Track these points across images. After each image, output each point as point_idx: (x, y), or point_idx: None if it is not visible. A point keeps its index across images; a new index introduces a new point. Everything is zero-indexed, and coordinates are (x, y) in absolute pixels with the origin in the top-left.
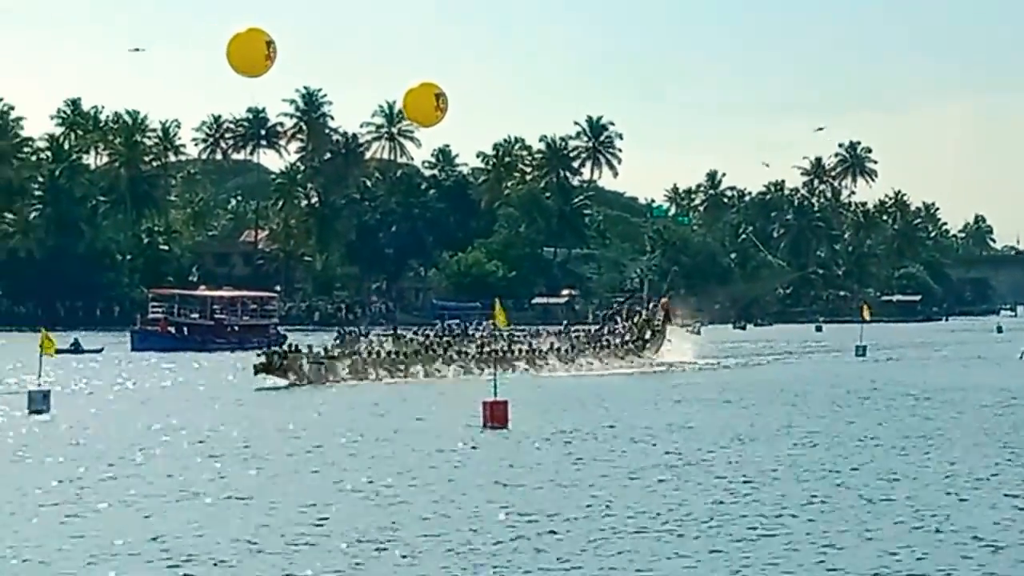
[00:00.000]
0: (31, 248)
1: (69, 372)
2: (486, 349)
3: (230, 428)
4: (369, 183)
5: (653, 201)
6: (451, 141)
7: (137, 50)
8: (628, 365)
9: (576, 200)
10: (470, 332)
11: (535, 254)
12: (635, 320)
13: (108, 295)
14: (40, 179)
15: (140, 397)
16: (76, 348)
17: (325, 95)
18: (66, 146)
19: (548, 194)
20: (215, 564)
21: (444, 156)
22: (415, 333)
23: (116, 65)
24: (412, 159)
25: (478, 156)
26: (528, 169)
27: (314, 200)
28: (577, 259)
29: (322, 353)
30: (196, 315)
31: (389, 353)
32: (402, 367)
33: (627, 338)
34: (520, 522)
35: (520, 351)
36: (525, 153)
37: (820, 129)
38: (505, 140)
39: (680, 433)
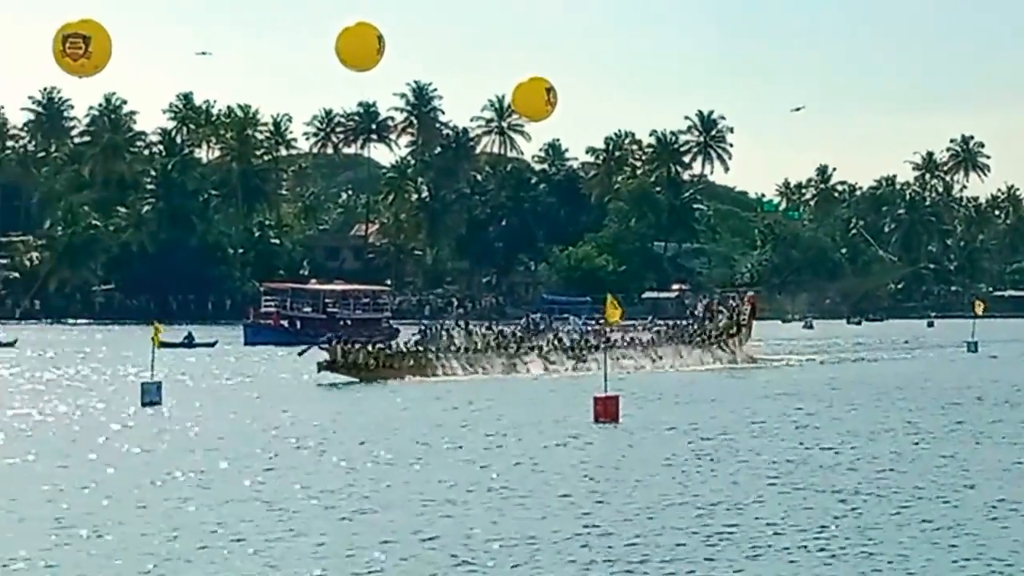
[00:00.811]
0: (143, 242)
1: (182, 365)
2: (561, 344)
3: (330, 422)
4: (479, 177)
5: (763, 196)
6: (561, 135)
7: (204, 54)
8: (710, 361)
9: (686, 194)
10: (555, 327)
11: (645, 248)
12: (721, 315)
13: (220, 289)
14: (152, 173)
15: (253, 390)
16: (189, 342)
17: (435, 89)
18: (178, 140)
19: (658, 188)
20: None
21: (554, 150)
22: (487, 328)
23: (228, 60)
24: (522, 153)
25: (588, 151)
26: (639, 163)
27: (424, 194)
28: (687, 254)
29: (387, 350)
30: (308, 309)
31: (459, 348)
32: (473, 362)
33: (711, 333)
34: (663, 517)
35: (598, 345)
36: (636, 147)
37: (798, 109)
38: (616, 134)
39: (793, 428)
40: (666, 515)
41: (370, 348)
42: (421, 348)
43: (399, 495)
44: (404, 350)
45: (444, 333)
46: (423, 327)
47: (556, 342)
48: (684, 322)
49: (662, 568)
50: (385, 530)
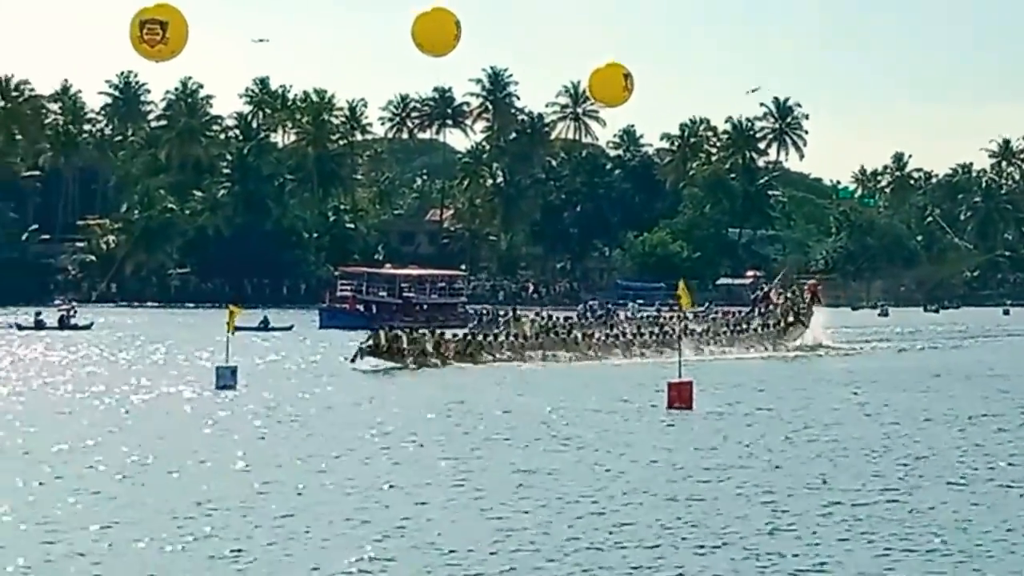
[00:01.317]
0: (219, 225)
1: (258, 349)
2: (612, 333)
3: (404, 406)
4: (554, 163)
5: (839, 183)
6: (636, 121)
7: (261, 40)
8: (766, 350)
9: (762, 181)
10: (615, 314)
11: (720, 235)
12: (779, 303)
13: (294, 273)
14: (229, 157)
15: (327, 373)
16: (265, 326)
17: (511, 75)
18: (254, 124)
19: (734, 175)
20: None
21: (629, 136)
22: (536, 315)
23: (304, 44)
24: (597, 139)
25: (662, 137)
26: (714, 150)
27: (499, 180)
28: (762, 240)
29: (429, 336)
30: (384, 293)
31: (507, 336)
32: (520, 350)
33: (768, 322)
34: (754, 502)
35: (651, 335)
36: (711, 134)
37: (754, 90)
38: (691, 120)
39: (868, 415)
40: (750, 498)
41: (415, 334)
42: (469, 335)
43: (488, 476)
44: (450, 337)
45: (503, 321)
46: (475, 313)
47: (610, 330)
48: (742, 310)
49: (746, 551)
50: (478, 508)
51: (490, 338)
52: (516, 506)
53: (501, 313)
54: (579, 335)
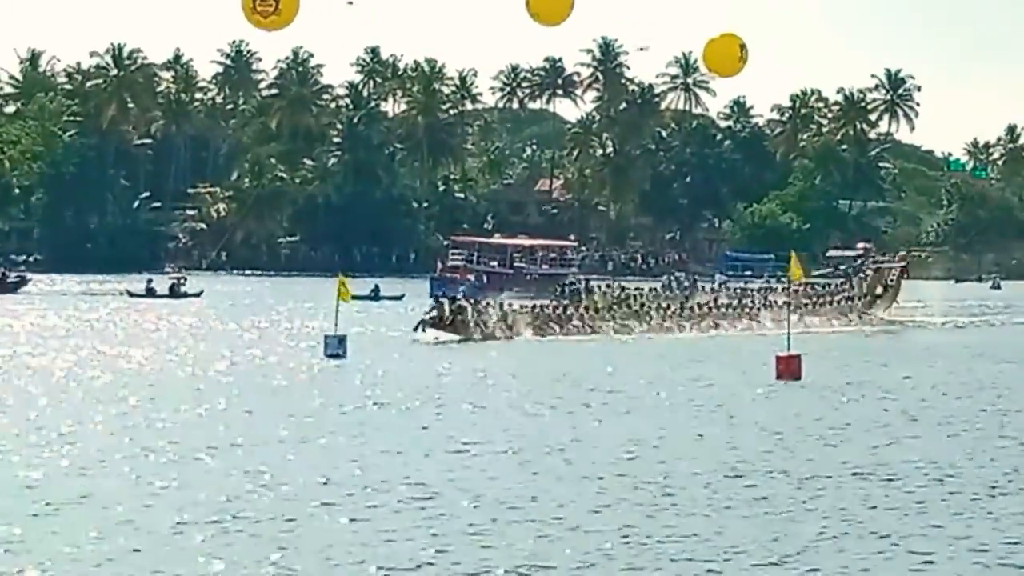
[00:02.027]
0: (329, 194)
1: (369, 318)
2: (688, 305)
3: (506, 374)
4: (664, 133)
5: (950, 155)
6: (746, 92)
7: (350, 3)
8: (850, 323)
9: (872, 153)
10: (700, 286)
11: (830, 207)
12: (869, 276)
13: (404, 242)
14: (339, 126)
15: (435, 343)
16: (376, 295)
17: (621, 45)
18: (365, 94)
19: (844, 146)
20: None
21: (739, 107)
22: (607, 286)
23: (414, 14)
24: (707, 110)
25: (773, 108)
26: (824, 121)
27: (609, 150)
28: (872, 212)
29: (496, 308)
30: (495, 263)
31: (579, 308)
32: (591, 323)
33: (853, 295)
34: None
35: (730, 308)
36: (822, 105)
37: (642, 49)
38: (801, 92)
39: (980, 388)
40: (864, 475)
41: (480, 306)
42: (539, 307)
43: (602, 445)
44: (518, 308)
45: (587, 293)
46: (557, 287)
47: (680, 308)
48: (830, 283)
49: (863, 527)
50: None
51: (559, 311)
52: (641, 479)
53: (587, 285)
54: (653, 307)
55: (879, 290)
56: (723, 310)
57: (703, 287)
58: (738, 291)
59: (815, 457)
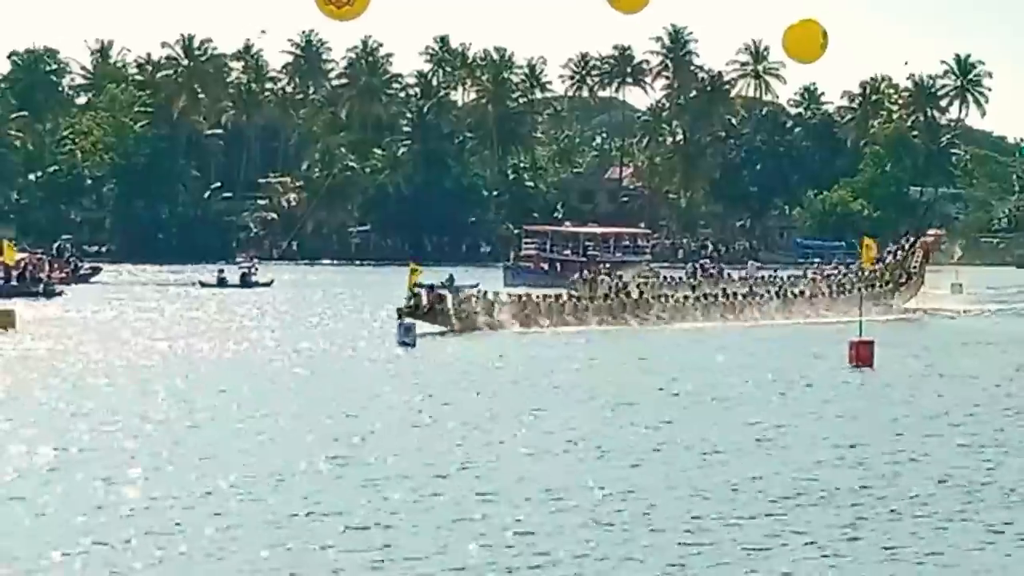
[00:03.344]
0: (399, 183)
1: None
2: (698, 293)
3: (576, 365)
4: (734, 121)
5: (1022, 140)
6: (817, 79)
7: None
8: (867, 312)
9: (943, 139)
10: (727, 275)
11: (901, 193)
12: (889, 262)
13: (474, 231)
14: (409, 115)
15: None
16: (450, 283)
17: (691, 33)
18: (434, 83)
19: (915, 133)
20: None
21: (810, 94)
22: (638, 275)
23: (483, 2)
24: (777, 97)
25: (843, 95)
26: (895, 108)
27: (679, 138)
28: (943, 199)
29: (480, 298)
30: (568, 251)
31: (570, 298)
32: (580, 314)
33: (874, 282)
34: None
35: (741, 296)
36: (892, 92)
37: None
38: (872, 78)
39: None
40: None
41: (462, 295)
42: (525, 296)
43: (679, 441)
44: (504, 299)
45: (610, 281)
46: (582, 275)
47: (690, 297)
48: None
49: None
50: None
51: (549, 301)
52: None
53: (608, 273)
54: (662, 297)
55: (902, 278)
56: (740, 299)
57: (730, 275)
58: (767, 279)
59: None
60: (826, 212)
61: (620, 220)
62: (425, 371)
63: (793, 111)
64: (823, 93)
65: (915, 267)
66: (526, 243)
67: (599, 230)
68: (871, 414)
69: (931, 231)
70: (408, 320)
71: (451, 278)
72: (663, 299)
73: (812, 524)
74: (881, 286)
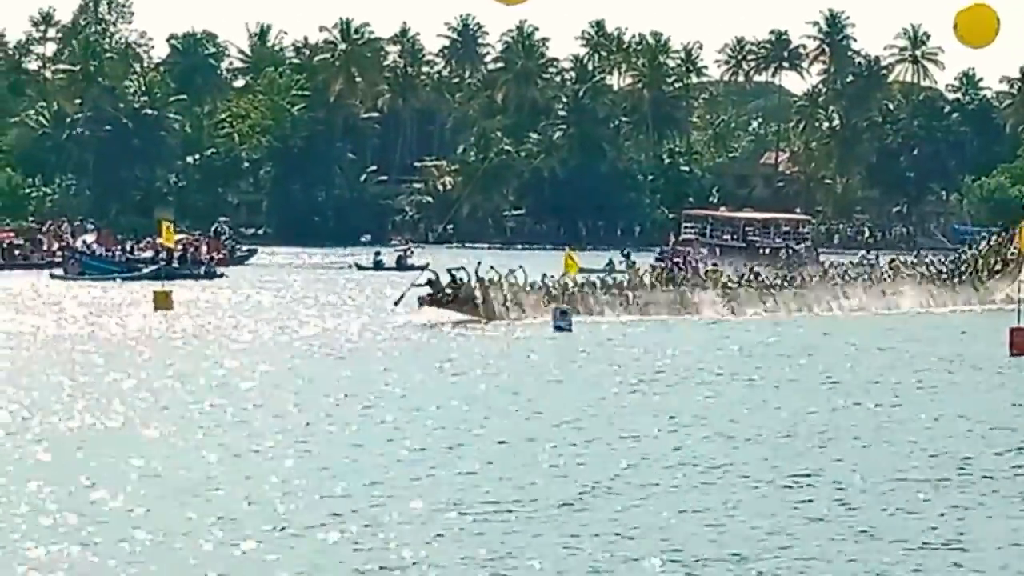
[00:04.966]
0: (554, 167)
1: None
2: (759, 278)
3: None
4: (891, 106)
5: None
6: (975, 65)
7: None
8: (955, 300)
9: None
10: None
11: None
12: (983, 249)
13: (629, 215)
14: (564, 99)
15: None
16: (611, 269)
17: (848, 17)
18: (590, 67)
19: None
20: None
21: (968, 80)
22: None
23: None
24: (935, 82)
25: (1001, 80)
26: None
27: (835, 123)
28: None
29: (504, 284)
30: (728, 236)
31: (613, 283)
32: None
33: (961, 269)
34: None
35: (811, 280)
36: None
37: None
38: None
39: None
40: None
41: (487, 281)
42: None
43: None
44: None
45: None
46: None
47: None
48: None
49: None
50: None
51: (587, 289)
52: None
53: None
54: (712, 283)
55: (998, 265)
56: (804, 283)
57: (824, 262)
58: (864, 265)
59: None
60: (983, 198)
61: (775, 205)
62: (575, 359)
63: (951, 96)
64: (981, 79)
65: (1013, 255)
66: (685, 227)
67: (760, 215)
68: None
69: None
70: (563, 305)
71: (611, 262)
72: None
73: None
74: (967, 273)
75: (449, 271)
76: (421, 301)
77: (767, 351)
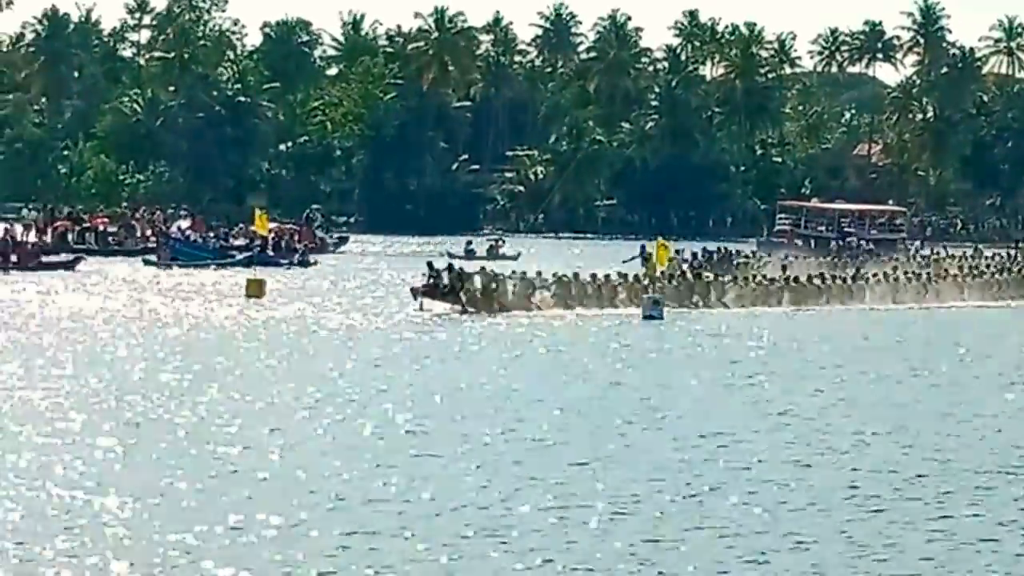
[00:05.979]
0: (646, 158)
1: None
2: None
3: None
4: (985, 98)
5: None
6: None
7: None
8: (1002, 296)
9: None
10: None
11: None
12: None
13: (721, 206)
14: (657, 89)
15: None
16: (708, 258)
17: (943, 8)
18: (683, 57)
19: None
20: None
21: None
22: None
23: None
24: None
25: None
26: None
27: (929, 115)
28: None
29: (516, 279)
30: (823, 228)
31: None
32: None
33: (1008, 266)
34: None
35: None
36: None
37: None
38: None
39: None
40: None
41: (497, 277)
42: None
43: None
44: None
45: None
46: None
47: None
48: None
49: None
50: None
51: (597, 283)
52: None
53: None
54: (743, 277)
55: None
56: (827, 283)
57: (881, 257)
58: (923, 259)
59: None
60: None
61: (868, 197)
62: (665, 348)
63: None
64: None
65: None
66: (780, 218)
67: (855, 207)
68: None
69: None
70: (656, 295)
71: (705, 251)
72: (742, 282)
73: None
74: (1018, 271)
75: (450, 264)
76: (416, 293)
77: None
